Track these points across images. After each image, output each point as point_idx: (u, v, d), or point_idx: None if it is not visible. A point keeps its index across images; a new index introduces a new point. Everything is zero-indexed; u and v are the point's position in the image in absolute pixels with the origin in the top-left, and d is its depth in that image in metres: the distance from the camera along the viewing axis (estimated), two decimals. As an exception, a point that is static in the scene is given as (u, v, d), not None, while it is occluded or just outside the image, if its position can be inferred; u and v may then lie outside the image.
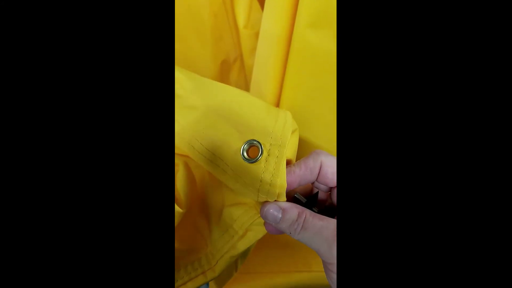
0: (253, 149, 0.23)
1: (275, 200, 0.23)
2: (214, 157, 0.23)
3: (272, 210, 0.23)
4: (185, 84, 0.25)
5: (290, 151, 0.24)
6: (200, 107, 0.24)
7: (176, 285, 0.25)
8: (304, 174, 0.24)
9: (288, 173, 0.23)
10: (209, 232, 0.26)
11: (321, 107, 0.33)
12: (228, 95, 0.25)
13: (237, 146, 0.23)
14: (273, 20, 0.33)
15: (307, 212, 0.23)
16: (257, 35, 0.39)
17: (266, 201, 0.23)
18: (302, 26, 0.30)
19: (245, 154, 0.22)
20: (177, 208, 0.24)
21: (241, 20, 0.40)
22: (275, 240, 0.43)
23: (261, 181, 0.22)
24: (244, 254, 0.30)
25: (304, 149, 0.31)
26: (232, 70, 0.45)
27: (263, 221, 0.25)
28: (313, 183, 0.26)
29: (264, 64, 0.36)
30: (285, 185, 0.23)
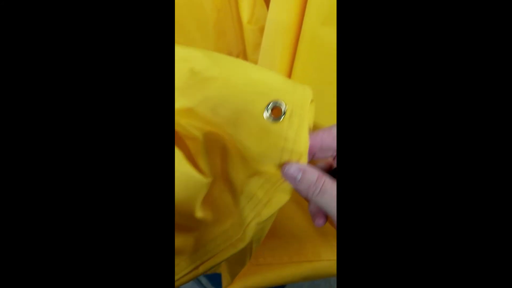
0: (276, 110, 0.24)
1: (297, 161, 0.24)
2: (238, 121, 0.24)
3: (293, 170, 0.24)
4: (201, 61, 0.26)
5: (310, 115, 0.25)
6: (219, 77, 0.25)
7: (205, 257, 0.26)
8: (327, 138, 0.25)
9: (311, 134, 0.24)
10: (233, 202, 0.26)
11: (328, 101, 0.34)
12: (246, 66, 0.26)
13: (260, 107, 0.23)
14: (281, 10, 0.34)
15: (327, 178, 0.24)
16: (261, 30, 0.40)
17: (288, 162, 0.24)
18: (313, 20, 0.31)
19: (268, 114, 0.23)
20: (202, 178, 0.24)
21: (245, 15, 0.41)
22: (284, 230, 0.43)
23: (285, 139, 0.23)
24: (258, 239, 0.30)
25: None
26: (235, 66, 0.46)
27: (285, 188, 0.26)
28: (334, 158, 0.26)
29: (270, 55, 0.37)
30: (308, 144, 0.23)
